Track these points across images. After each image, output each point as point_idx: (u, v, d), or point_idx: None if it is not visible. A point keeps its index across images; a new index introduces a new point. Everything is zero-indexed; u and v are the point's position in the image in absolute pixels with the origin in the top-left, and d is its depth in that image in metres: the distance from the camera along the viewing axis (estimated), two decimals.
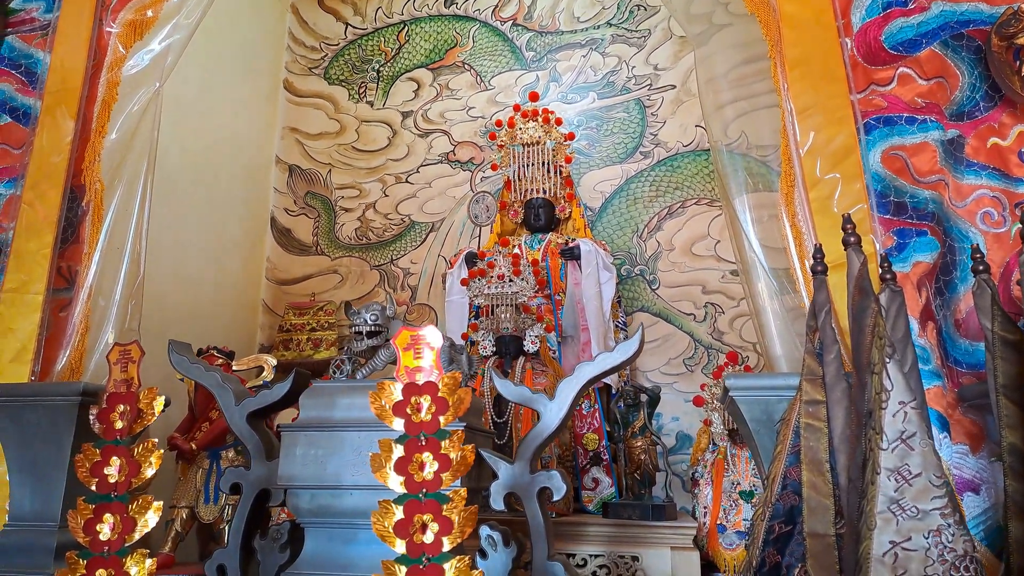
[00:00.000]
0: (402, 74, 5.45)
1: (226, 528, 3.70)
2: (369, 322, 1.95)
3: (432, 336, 1.34)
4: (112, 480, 1.47)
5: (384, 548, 1.82)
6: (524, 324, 3.48)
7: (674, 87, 4.98)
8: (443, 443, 1.29)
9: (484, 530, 1.82)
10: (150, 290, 2.74)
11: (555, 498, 1.77)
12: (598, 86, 5.11)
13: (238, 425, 1.99)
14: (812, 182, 2.03)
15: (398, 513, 1.24)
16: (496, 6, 5.41)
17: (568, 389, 1.83)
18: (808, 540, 1.46)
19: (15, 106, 2.61)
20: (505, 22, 5.37)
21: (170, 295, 4.11)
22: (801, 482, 1.48)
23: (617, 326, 4.12)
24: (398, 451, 1.29)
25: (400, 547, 1.25)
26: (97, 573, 1.41)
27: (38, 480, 2.01)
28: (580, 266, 4.00)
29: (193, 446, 3.61)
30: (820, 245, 1.71)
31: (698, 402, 3.77)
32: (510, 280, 3.42)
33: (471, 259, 4.09)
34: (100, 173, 2.45)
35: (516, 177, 4.48)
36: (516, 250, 4.01)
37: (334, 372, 2.03)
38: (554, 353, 3.78)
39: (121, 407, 1.48)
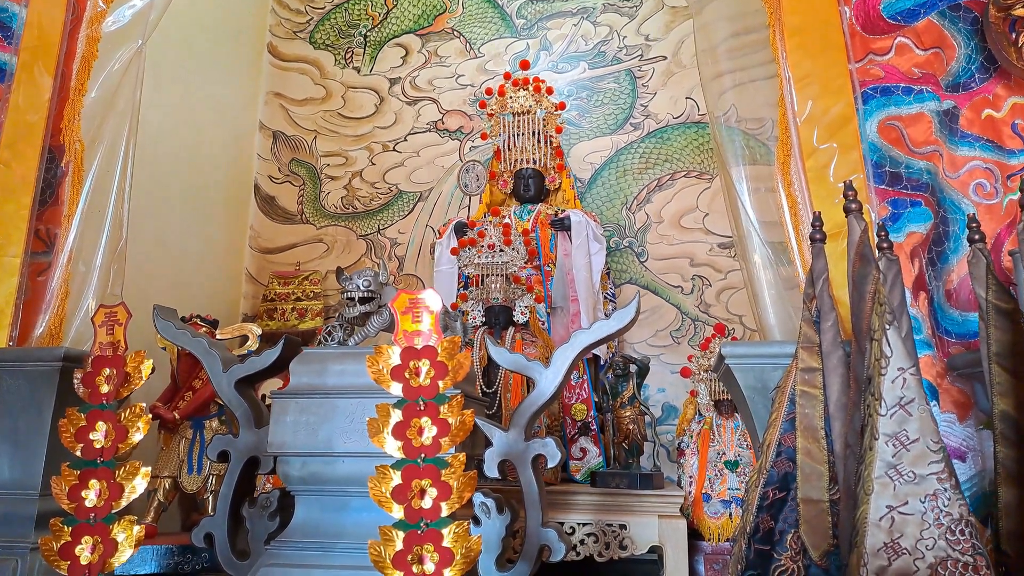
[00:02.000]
0: (390, 40, 5.33)
1: (209, 498, 3.69)
2: (362, 288, 1.91)
3: (431, 299, 1.31)
4: (98, 445, 1.44)
5: (376, 515, 1.80)
6: (514, 295, 3.46)
7: (665, 58, 4.92)
8: (442, 408, 1.26)
9: (478, 497, 1.83)
10: (130, 257, 2.67)
11: (550, 465, 1.77)
12: (589, 56, 5.04)
13: (226, 392, 1.96)
14: (809, 151, 2.02)
15: (396, 478, 1.23)
16: None
17: (564, 357, 1.82)
18: (802, 506, 1.47)
19: None
20: None
21: (150, 263, 4.02)
22: (796, 449, 1.49)
23: (606, 297, 4.12)
24: (396, 416, 1.27)
25: (398, 512, 1.23)
26: (83, 540, 1.38)
27: (17, 448, 1.96)
28: (570, 237, 3.97)
29: (176, 415, 3.57)
30: (819, 213, 1.70)
31: (685, 373, 3.80)
32: (500, 250, 3.39)
33: (460, 229, 4.05)
34: (80, 133, 2.36)
35: (506, 147, 4.43)
36: (507, 220, 3.97)
37: (325, 339, 1.99)
38: (543, 324, 3.78)
39: (107, 371, 1.44)
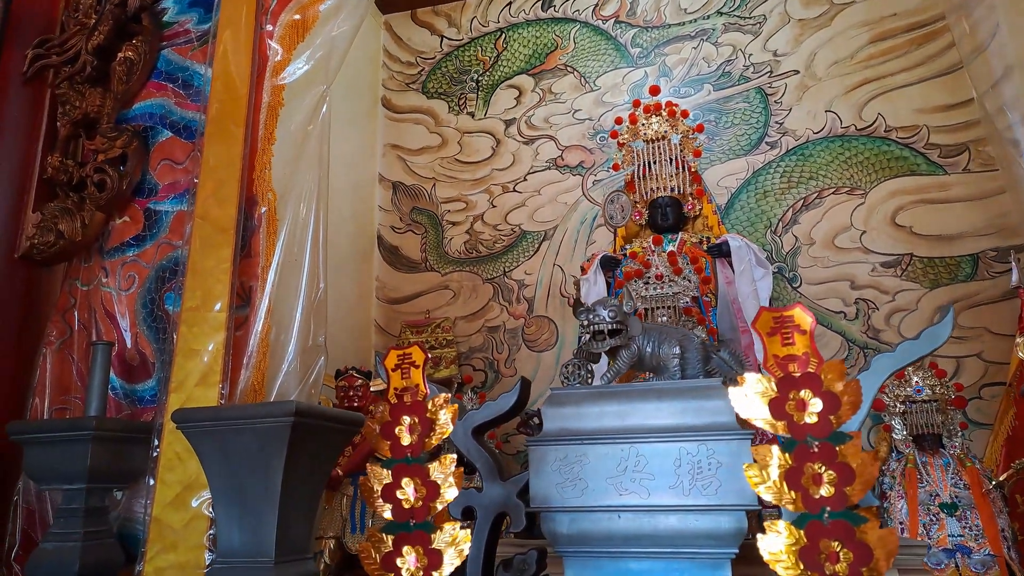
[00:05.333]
0: (502, 82, 5.31)
1: None
2: (608, 319, 1.71)
3: (801, 317, 1.10)
4: (407, 505, 1.27)
5: None
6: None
7: (797, 72, 4.69)
8: (840, 449, 1.03)
9: None
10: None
11: None
12: (712, 77, 4.86)
13: (462, 441, 1.77)
14: None
15: (789, 537, 0.99)
16: (596, 5, 5.24)
17: (866, 386, 1.55)
18: None
19: (175, 120, 2.52)
20: (607, 20, 5.18)
21: None
22: None
23: None
24: (780, 460, 1.04)
25: None
26: None
27: (246, 511, 1.83)
28: (730, 264, 3.71)
29: (339, 471, 3.44)
30: None
31: (878, 406, 3.43)
32: (671, 281, 3.16)
33: (608, 262, 3.85)
34: (271, 182, 2.32)
35: (639, 176, 4.23)
36: (670, 248, 3.74)
37: (565, 379, 1.80)
38: None
39: (408, 419, 1.28)
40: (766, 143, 4.63)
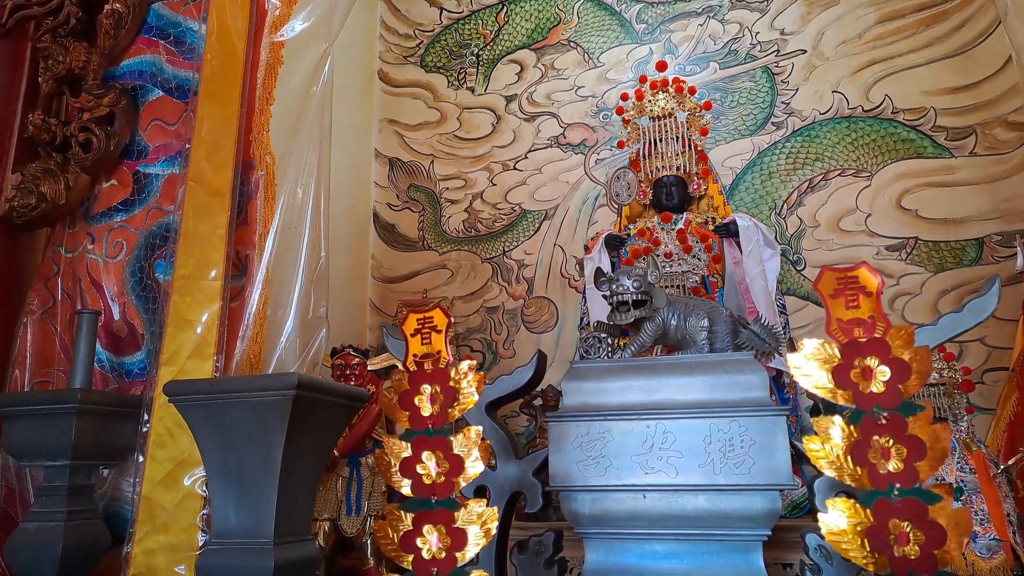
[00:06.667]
0: (503, 56, 5.17)
1: (368, 542, 3.42)
2: (633, 290, 1.61)
3: (867, 278, 1.01)
4: (428, 481, 1.17)
5: (689, 562, 1.49)
6: None
7: (804, 52, 4.60)
8: (909, 421, 0.94)
9: (812, 539, 1.48)
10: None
11: None
12: (719, 55, 4.75)
13: (476, 418, 1.68)
14: None
15: (853, 517, 0.89)
16: None
17: None
18: None
19: (166, 78, 2.37)
20: None
21: None
22: None
23: (778, 308, 3.73)
24: (842, 432, 0.95)
25: (862, 559, 0.91)
26: None
27: (244, 490, 1.72)
28: (737, 244, 3.62)
29: (334, 452, 3.34)
30: None
31: None
32: (680, 259, 3.07)
33: (612, 241, 3.75)
34: (270, 145, 2.18)
35: (644, 154, 4.13)
36: (679, 226, 3.65)
37: (584, 353, 1.70)
38: None
39: (429, 388, 1.17)
40: (772, 123, 4.55)
